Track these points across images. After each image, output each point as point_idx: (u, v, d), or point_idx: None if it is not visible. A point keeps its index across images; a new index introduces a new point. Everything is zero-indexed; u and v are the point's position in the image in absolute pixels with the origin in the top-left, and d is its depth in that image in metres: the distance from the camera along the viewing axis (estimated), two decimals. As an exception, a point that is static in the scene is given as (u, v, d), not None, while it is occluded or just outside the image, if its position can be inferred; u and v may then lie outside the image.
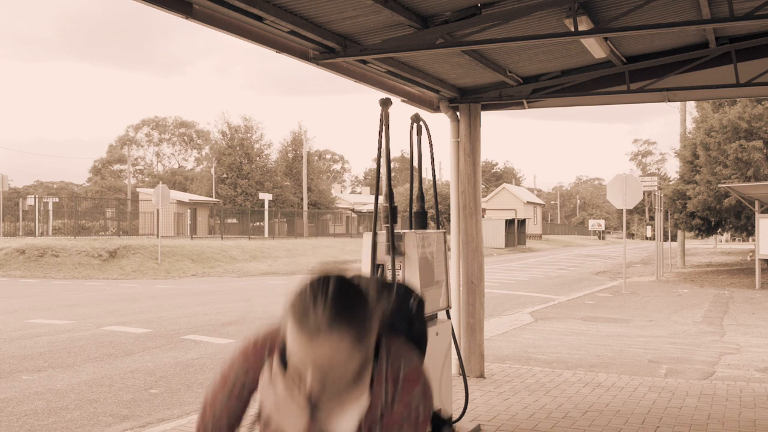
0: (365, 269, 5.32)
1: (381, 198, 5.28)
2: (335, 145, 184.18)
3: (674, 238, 35.08)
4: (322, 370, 1.55)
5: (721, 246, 65.56)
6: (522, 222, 57.35)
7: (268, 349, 1.80)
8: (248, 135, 59.43)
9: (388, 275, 5.20)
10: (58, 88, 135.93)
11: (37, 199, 40.97)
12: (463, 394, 6.06)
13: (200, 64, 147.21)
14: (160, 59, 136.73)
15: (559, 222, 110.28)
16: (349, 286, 1.60)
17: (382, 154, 5.31)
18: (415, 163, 5.99)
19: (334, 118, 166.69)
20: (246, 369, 1.81)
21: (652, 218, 53.14)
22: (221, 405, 1.84)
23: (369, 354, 1.65)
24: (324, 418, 1.68)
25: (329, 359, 1.54)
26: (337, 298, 1.55)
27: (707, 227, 30.42)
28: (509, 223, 52.99)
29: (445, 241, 5.99)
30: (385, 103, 5.34)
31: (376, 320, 1.62)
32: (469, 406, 6.21)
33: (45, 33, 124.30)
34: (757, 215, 22.17)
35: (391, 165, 5.41)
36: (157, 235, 32.23)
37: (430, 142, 6.01)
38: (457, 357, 6.32)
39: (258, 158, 59.26)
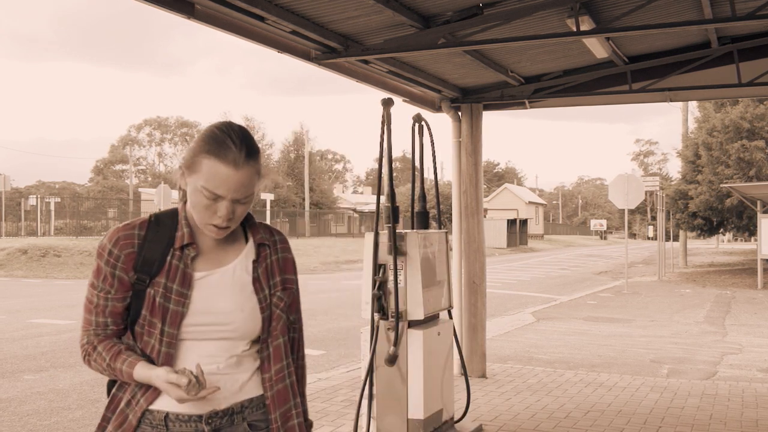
0: (367, 269, 5.32)
1: (383, 198, 5.28)
2: (337, 145, 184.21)
3: (676, 238, 35.05)
4: (239, 191, 1.94)
5: (723, 246, 65.50)
6: (524, 222, 57.33)
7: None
8: (250, 135, 59.36)
9: (390, 276, 5.21)
10: (58, 88, 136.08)
11: (39, 199, 41.00)
12: (465, 394, 6.06)
13: (200, 63, 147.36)
14: (160, 59, 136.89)
15: (560, 222, 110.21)
16: (249, 132, 2.03)
17: (383, 154, 5.32)
18: (417, 163, 5.99)
19: (336, 118, 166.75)
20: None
21: (653, 218, 53.10)
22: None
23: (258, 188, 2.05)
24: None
25: (247, 182, 1.96)
26: (249, 139, 1.99)
27: (709, 227, 30.40)
28: (511, 223, 52.98)
29: (447, 241, 5.99)
30: (387, 103, 5.34)
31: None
32: (471, 406, 6.21)
33: (43, 32, 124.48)
34: (759, 215, 22.15)
35: (393, 165, 5.41)
36: (159, 235, 32.15)
37: (432, 142, 6.01)
38: (459, 357, 6.32)
39: (260, 158, 59.20)
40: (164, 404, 2.00)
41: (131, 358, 1.99)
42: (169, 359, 1.99)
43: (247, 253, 2.10)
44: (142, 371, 1.96)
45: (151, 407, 2.01)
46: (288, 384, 2.12)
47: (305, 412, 2.21)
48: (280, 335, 2.10)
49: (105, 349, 2.02)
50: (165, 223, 2.06)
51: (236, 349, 2.05)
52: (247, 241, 2.12)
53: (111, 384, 2.12)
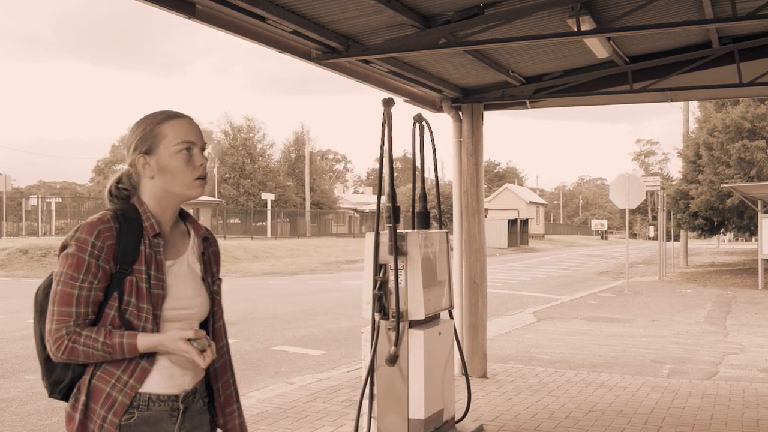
0: (368, 269, 5.32)
1: (383, 198, 5.28)
2: (337, 145, 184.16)
3: (677, 238, 35.04)
4: (201, 137, 2.23)
5: (724, 246, 65.48)
6: (524, 222, 57.33)
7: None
8: (251, 135, 59.46)
9: (391, 276, 5.21)
10: (58, 88, 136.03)
11: (39, 199, 41.00)
12: (466, 394, 6.06)
13: (200, 63, 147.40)
14: (159, 59, 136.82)
15: (561, 222, 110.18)
16: None
17: (384, 154, 5.32)
18: (418, 163, 5.99)
19: (336, 117, 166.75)
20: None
21: (654, 218, 53.08)
22: None
23: None
24: None
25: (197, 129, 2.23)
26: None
27: (710, 227, 30.39)
28: (512, 223, 52.97)
29: (448, 241, 5.99)
30: (388, 103, 5.34)
31: None
32: (471, 406, 6.20)
33: (43, 32, 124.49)
34: (760, 215, 22.15)
35: (394, 165, 5.41)
36: (160, 235, 32.19)
37: (433, 142, 6.01)
38: (459, 357, 6.32)
39: (260, 158, 59.28)
40: (148, 386, 2.15)
41: (127, 332, 2.10)
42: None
43: (193, 245, 2.30)
44: (147, 339, 2.10)
45: (139, 390, 2.15)
46: (227, 360, 2.41)
47: (236, 384, 2.48)
48: (220, 319, 2.38)
49: (94, 332, 2.09)
50: (132, 215, 2.18)
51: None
52: (189, 234, 2.32)
53: (68, 387, 2.20)
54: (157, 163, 2.16)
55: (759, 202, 22.08)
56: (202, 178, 2.21)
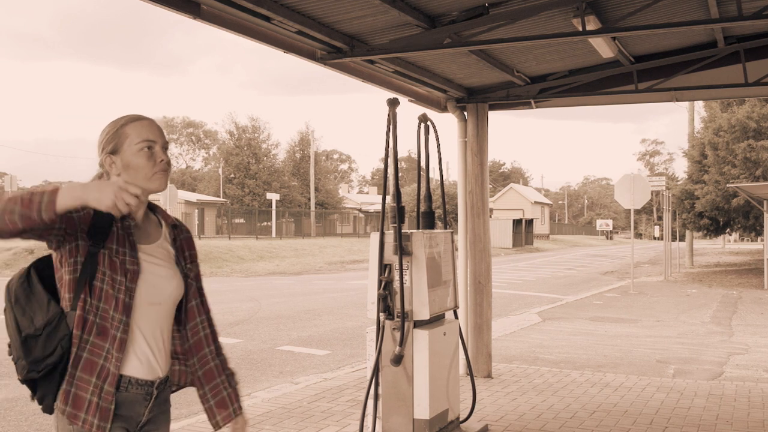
0: (373, 269, 5.33)
1: (388, 198, 5.28)
2: (342, 145, 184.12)
3: (682, 238, 34.97)
4: (163, 136, 2.41)
5: (730, 246, 65.32)
6: (529, 222, 57.26)
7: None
8: (255, 135, 59.51)
9: (396, 276, 5.21)
10: (58, 88, 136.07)
11: (45, 199, 41.09)
12: (471, 394, 6.06)
13: (200, 62, 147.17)
14: (160, 58, 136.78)
15: (566, 222, 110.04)
16: None
17: (389, 154, 5.32)
18: (423, 163, 5.99)
19: (340, 117, 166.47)
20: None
21: (660, 218, 52.99)
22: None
23: None
24: None
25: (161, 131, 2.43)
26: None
27: (715, 227, 30.32)
28: (517, 223, 52.91)
29: (453, 241, 5.99)
30: (393, 103, 5.35)
31: None
32: (476, 406, 6.20)
33: (43, 31, 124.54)
34: (766, 215, 22.08)
35: (399, 165, 5.41)
36: (165, 235, 32.24)
37: (438, 142, 6.01)
38: (464, 357, 6.32)
39: (265, 158, 59.33)
40: (129, 370, 2.32)
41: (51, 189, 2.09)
42: (128, 310, 2.28)
43: (164, 233, 2.50)
44: (77, 184, 2.11)
45: (121, 372, 2.30)
46: (203, 336, 2.57)
47: (222, 356, 2.63)
48: (192, 299, 2.53)
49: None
50: None
51: (169, 316, 2.45)
52: (161, 224, 2.51)
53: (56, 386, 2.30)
54: (122, 161, 2.35)
55: (765, 202, 22.02)
56: (164, 170, 2.38)
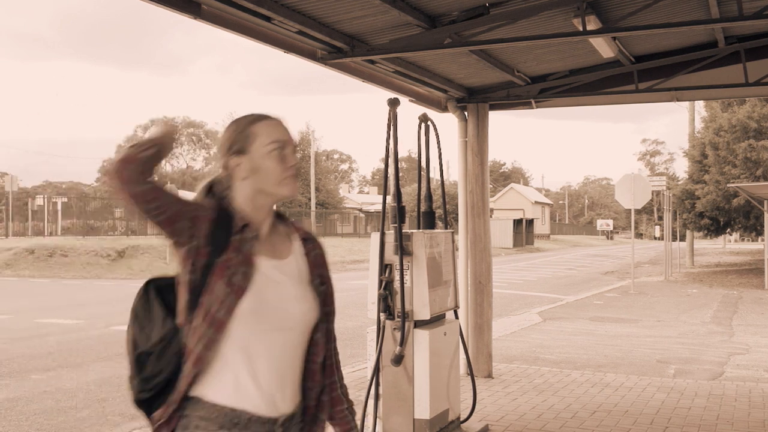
0: (373, 269, 5.33)
1: (389, 198, 5.28)
2: (342, 145, 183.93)
3: (683, 238, 34.95)
4: (292, 137, 2.23)
5: (730, 246, 65.28)
6: (530, 222, 57.24)
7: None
8: (256, 135, 59.49)
9: (396, 276, 5.21)
10: (60, 87, 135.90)
11: (46, 199, 41.11)
12: (471, 394, 6.06)
13: (200, 62, 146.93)
14: (159, 58, 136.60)
15: (567, 222, 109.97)
16: None
17: (390, 154, 5.32)
18: (423, 163, 5.99)
19: (340, 117, 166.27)
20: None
21: (660, 218, 52.97)
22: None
23: None
24: None
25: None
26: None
27: (716, 227, 30.31)
28: (517, 223, 52.89)
29: (453, 241, 5.99)
30: (393, 103, 5.35)
31: None
32: (477, 406, 6.20)
33: (43, 31, 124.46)
34: (767, 215, 22.08)
35: (399, 165, 5.41)
36: (166, 235, 32.21)
37: (438, 142, 6.01)
38: (465, 357, 6.32)
39: (266, 158, 59.30)
40: (247, 405, 2.05)
41: None
42: (219, 326, 2.02)
43: (296, 247, 2.24)
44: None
45: (234, 406, 2.04)
46: (333, 362, 2.32)
47: (344, 389, 2.36)
48: (322, 324, 2.24)
49: None
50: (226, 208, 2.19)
51: (300, 343, 2.16)
52: (291, 237, 2.25)
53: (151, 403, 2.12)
54: (250, 164, 2.13)
55: (765, 202, 22.01)
56: (294, 176, 2.18)
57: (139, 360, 2.09)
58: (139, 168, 1.98)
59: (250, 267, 2.07)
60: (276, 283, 2.11)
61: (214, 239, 2.06)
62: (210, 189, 2.21)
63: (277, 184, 2.15)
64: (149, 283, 2.18)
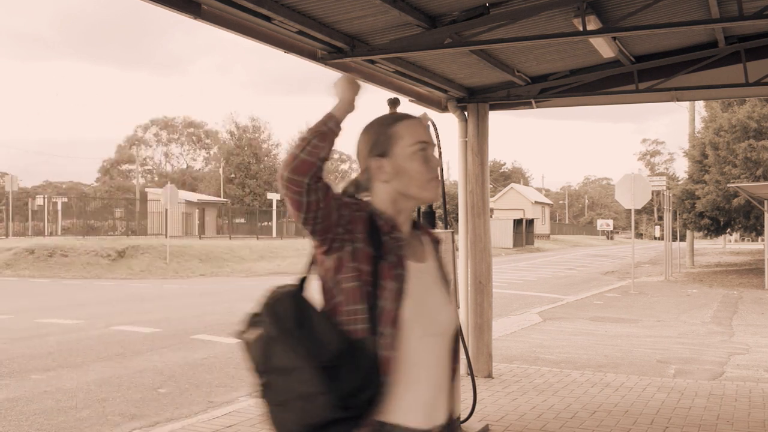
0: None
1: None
2: (343, 145, 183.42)
3: (683, 238, 34.97)
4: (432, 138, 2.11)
5: (730, 246, 65.30)
6: (530, 222, 57.24)
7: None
8: (256, 135, 59.56)
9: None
10: (60, 87, 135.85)
11: (46, 199, 41.14)
12: (472, 394, 6.06)
13: (200, 62, 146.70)
14: (159, 58, 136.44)
15: (567, 222, 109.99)
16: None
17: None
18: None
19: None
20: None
21: (660, 218, 52.99)
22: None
23: None
24: None
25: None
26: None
27: (716, 227, 30.32)
28: (517, 223, 52.89)
29: (454, 241, 5.98)
30: (394, 103, 5.34)
31: None
32: (477, 406, 6.20)
33: (43, 31, 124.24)
34: (767, 215, 22.08)
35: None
36: (166, 235, 32.30)
37: (438, 142, 6.00)
38: (465, 357, 6.32)
39: (266, 158, 59.38)
40: (398, 417, 1.93)
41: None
42: (396, 323, 1.92)
43: (432, 249, 2.17)
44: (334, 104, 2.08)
45: (392, 421, 1.92)
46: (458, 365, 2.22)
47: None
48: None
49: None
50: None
51: (450, 350, 2.06)
52: (422, 239, 2.16)
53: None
54: (393, 166, 2.04)
55: (765, 202, 22.02)
56: (437, 178, 2.08)
57: (328, 374, 1.84)
58: (317, 173, 1.90)
59: (405, 270, 1.97)
60: (426, 287, 2.03)
61: (372, 240, 1.96)
62: (354, 190, 2.13)
63: (421, 186, 2.05)
64: (293, 294, 2.03)
